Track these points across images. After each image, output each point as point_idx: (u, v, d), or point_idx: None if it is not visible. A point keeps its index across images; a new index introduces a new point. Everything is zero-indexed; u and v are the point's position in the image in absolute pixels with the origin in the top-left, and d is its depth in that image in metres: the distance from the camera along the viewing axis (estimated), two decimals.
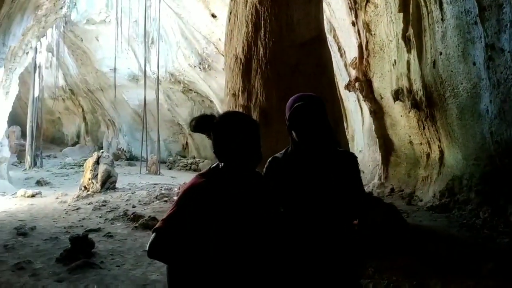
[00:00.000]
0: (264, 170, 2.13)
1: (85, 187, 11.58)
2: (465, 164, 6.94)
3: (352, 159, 2.14)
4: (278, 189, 2.02)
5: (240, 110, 5.83)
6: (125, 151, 25.88)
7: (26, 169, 19.30)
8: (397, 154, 9.32)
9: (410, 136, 8.56)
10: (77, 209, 9.38)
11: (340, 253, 1.97)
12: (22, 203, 10.39)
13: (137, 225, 7.41)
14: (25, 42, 12.08)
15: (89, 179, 11.65)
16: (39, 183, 14.75)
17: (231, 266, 1.73)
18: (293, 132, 2.04)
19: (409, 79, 7.75)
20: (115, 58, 19.89)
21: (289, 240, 1.93)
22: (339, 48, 10.91)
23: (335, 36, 10.93)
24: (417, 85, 7.54)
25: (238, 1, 6.35)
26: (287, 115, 2.02)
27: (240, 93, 6.01)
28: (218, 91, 18.27)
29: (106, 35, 21.55)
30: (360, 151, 10.79)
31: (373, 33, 8.73)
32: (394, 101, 8.29)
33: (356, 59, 9.49)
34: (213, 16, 15.76)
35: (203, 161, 21.18)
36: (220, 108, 18.81)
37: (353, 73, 9.89)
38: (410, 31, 7.38)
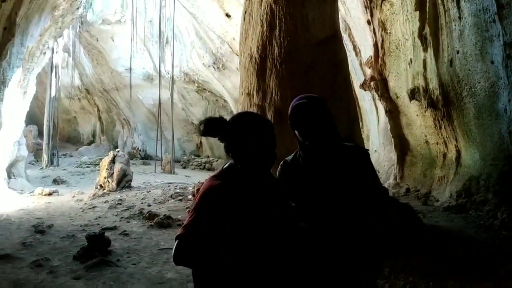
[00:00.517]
0: (277, 173, 2.16)
1: (101, 186, 11.71)
2: (482, 164, 6.85)
3: (362, 153, 2.13)
4: (290, 191, 2.03)
5: (255, 109, 5.83)
6: (140, 150, 26.08)
7: (43, 167, 19.56)
8: (412, 154, 9.23)
9: (426, 136, 8.47)
10: (93, 207, 9.49)
11: (355, 252, 1.95)
12: (39, 201, 10.54)
13: (152, 223, 7.46)
14: (43, 42, 12.24)
15: (105, 178, 11.77)
16: (55, 181, 14.94)
17: (251, 267, 1.73)
18: (296, 132, 2.07)
19: (425, 78, 7.67)
20: (130, 58, 20.04)
21: (304, 239, 1.93)
22: (354, 47, 10.85)
23: (350, 35, 10.86)
24: (433, 84, 7.46)
25: (253, 0, 6.35)
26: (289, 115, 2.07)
27: (254, 92, 6.01)
28: (232, 90, 18.31)
29: (121, 35, 21.74)
30: (375, 150, 10.71)
31: (388, 31, 8.66)
32: (410, 100, 8.21)
33: (371, 58, 9.42)
34: (227, 15, 15.78)
35: (216, 160, 21.24)
36: (234, 107, 18.87)
37: (369, 72, 9.82)
38: (427, 30, 7.30)
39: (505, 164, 6.35)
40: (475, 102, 6.52)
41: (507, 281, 4.00)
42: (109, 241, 5.91)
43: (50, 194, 11.56)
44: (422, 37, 7.45)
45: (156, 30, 19.61)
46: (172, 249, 1.76)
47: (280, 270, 1.78)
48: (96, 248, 5.54)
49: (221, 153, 21.66)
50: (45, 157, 20.15)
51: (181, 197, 10.01)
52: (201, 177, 13.95)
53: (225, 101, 20.96)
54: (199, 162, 22.08)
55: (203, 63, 19.28)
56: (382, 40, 8.91)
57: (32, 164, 20.46)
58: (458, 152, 7.51)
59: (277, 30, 5.86)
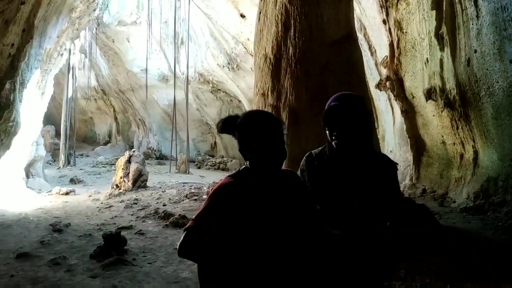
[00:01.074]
0: (300, 166, 2.14)
1: (117, 186, 11.83)
2: (500, 165, 6.74)
3: (390, 166, 2.09)
4: (312, 186, 2.02)
5: (269, 109, 5.83)
6: (155, 150, 26.27)
7: (60, 167, 19.84)
8: (429, 155, 9.13)
9: (442, 136, 8.37)
10: (110, 207, 9.59)
11: (370, 253, 1.94)
12: (57, 201, 10.70)
13: (167, 223, 7.52)
14: (60, 44, 12.41)
15: (121, 178, 11.89)
16: (72, 181, 15.15)
17: (260, 263, 1.73)
18: (326, 130, 2.05)
19: (442, 77, 7.57)
20: (146, 59, 20.21)
21: (336, 246, 1.92)
22: (370, 47, 10.77)
23: (365, 35, 10.79)
24: (450, 84, 7.37)
25: (267, 0, 6.35)
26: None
27: (269, 92, 6.01)
28: (247, 90, 18.34)
29: (137, 36, 21.94)
30: (391, 151, 10.62)
31: (404, 31, 8.58)
32: (426, 100, 8.12)
33: (387, 57, 9.34)
34: (242, 16, 15.81)
35: (231, 161, 21.30)
36: (248, 108, 18.86)
37: (384, 72, 9.74)
38: (443, 29, 7.22)
39: None
40: (493, 102, 6.42)
41: None
42: (125, 240, 5.97)
43: (67, 194, 11.73)
44: (438, 36, 7.36)
45: (171, 31, 19.74)
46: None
47: (288, 271, 1.78)
48: (112, 247, 5.60)
49: (235, 153, 21.70)
50: (62, 157, 20.44)
51: (196, 197, 10.06)
52: (216, 177, 14.01)
53: (239, 101, 21.00)
54: (214, 162, 22.17)
55: (218, 64, 19.34)
56: (398, 40, 8.83)
57: (50, 164, 20.77)
58: (476, 152, 7.40)
59: (292, 30, 5.85)
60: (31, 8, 7.26)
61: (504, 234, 5.78)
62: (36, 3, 7.39)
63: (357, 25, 8.56)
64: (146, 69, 20.75)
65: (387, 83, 9.45)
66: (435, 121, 8.37)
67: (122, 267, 5.16)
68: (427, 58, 7.93)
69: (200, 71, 20.82)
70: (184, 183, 13.91)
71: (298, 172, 2.17)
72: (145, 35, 20.56)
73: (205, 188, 11.41)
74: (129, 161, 12.14)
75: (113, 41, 23.37)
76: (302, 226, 1.85)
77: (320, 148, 2.18)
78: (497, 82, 6.21)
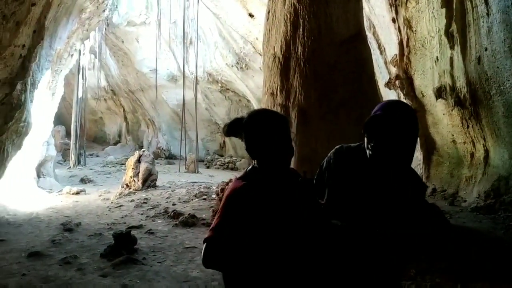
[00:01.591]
0: (327, 157, 2.09)
1: (127, 185, 11.90)
2: None
3: (421, 186, 2.03)
4: (336, 179, 1.98)
5: (278, 109, 5.83)
6: (165, 150, 26.37)
7: (70, 167, 19.98)
8: (439, 154, 9.07)
9: (453, 135, 8.31)
10: (120, 206, 9.66)
11: (376, 247, 1.91)
12: (67, 200, 10.79)
13: (177, 222, 7.55)
14: (70, 44, 12.49)
15: (130, 177, 11.96)
16: (83, 181, 15.25)
17: (281, 264, 1.73)
18: (365, 137, 1.96)
19: (452, 76, 7.51)
20: (156, 59, 20.30)
21: (339, 237, 1.91)
22: (379, 46, 10.72)
23: (374, 33, 10.74)
24: (460, 82, 7.31)
25: (276, 0, 6.35)
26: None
27: (278, 92, 6.01)
28: (255, 90, 18.33)
29: (146, 37, 22.03)
30: None
31: (414, 29, 8.52)
32: (436, 99, 8.06)
33: (396, 56, 9.29)
34: (251, 15, 15.81)
35: (240, 160, 21.30)
36: (257, 107, 18.85)
37: (394, 70, 9.69)
38: (453, 27, 7.16)
39: None
40: (504, 100, 6.36)
41: None
42: (135, 239, 6.00)
43: (77, 193, 11.82)
44: (448, 34, 7.30)
45: (180, 31, 19.79)
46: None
47: (308, 270, 1.78)
48: (122, 246, 5.64)
49: (244, 153, 21.59)
50: (72, 157, 20.58)
51: (205, 196, 10.08)
52: (225, 177, 14.02)
53: (248, 101, 21.00)
54: (223, 162, 22.19)
55: (227, 63, 19.37)
56: (408, 38, 8.78)
57: (60, 163, 20.94)
58: (487, 151, 7.34)
59: (301, 30, 5.84)
60: (42, 10, 7.32)
61: None
62: (46, 4, 7.45)
63: (366, 24, 8.51)
64: (156, 69, 20.82)
65: (397, 82, 9.40)
66: (445, 119, 8.31)
67: (132, 266, 5.19)
68: (437, 57, 7.87)
69: (209, 71, 20.86)
70: (193, 182, 13.96)
71: (323, 162, 2.12)
72: (154, 35, 20.64)
73: (214, 187, 11.43)
74: (139, 160, 12.21)
75: (123, 42, 23.49)
76: (314, 224, 1.85)
77: (355, 144, 2.07)
78: (508, 80, 6.15)
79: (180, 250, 5.90)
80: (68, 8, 9.71)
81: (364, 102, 5.41)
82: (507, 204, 6.63)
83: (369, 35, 9.73)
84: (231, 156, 23.19)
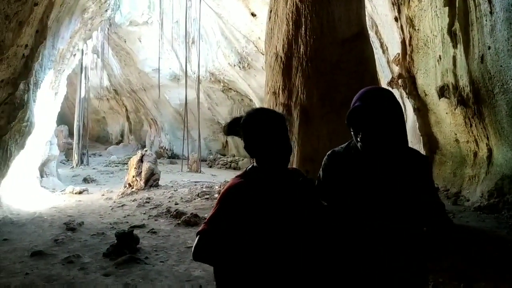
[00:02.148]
0: (322, 164, 2.05)
1: (129, 185, 11.91)
2: None
3: (423, 162, 1.94)
4: (335, 185, 1.94)
5: (281, 108, 5.82)
6: (167, 150, 26.40)
7: (73, 166, 20.03)
8: (442, 153, 9.05)
9: (456, 134, 8.28)
10: (122, 205, 9.67)
11: (393, 254, 1.83)
12: (70, 200, 10.81)
13: (179, 222, 7.55)
14: (73, 44, 12.52)
15: (133, 177, 11.97)
16: (85, 180, 15.28)
17: (274, 262, 1.73)
18: (351, 130, 1.92)
19: (455, 75, 7.49)
20: (158, 58, 20.31)
21: (336, 238, 1.89)
22: (382, 44, 10.70)
23: (377, 32, 10.72)
24: (463, 81, 7.29)
25: None
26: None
27: (280, 91, 6.00)
28: (258, 89, 18.33)
29: (148, 36, 22.06)
30: None
31: (416, 28, 8.50)
32: (439, 98, 8.04)
33: (399, 55, 9.27)
34: (253, 15, 15.80)
35: (242, 159, 21.31)
36: (259, 106, 18.81)
37: (396, 69, 9.67)
38: (456, 26, 7.13)
39: None
40: (508, 99, 6.33)
41: None
42: (138, 239, 6.01)
43: (80, 193, 11.84)
44: (451, 33, 7.28)
45: (182, 30, 19.80)
46: None
47: (302, 269, 1.77)
48: (125, 246, 5.64)
49: (246, 152, 21.66)
50: (75, 157, 20.64)
51: (207, 196, 10.09)
52: (227, 176, 14.04)
53: (250, 100, 21.00)
54: (225, 161, 22.21)
55: (229, 63, 19.37)
56: (410, 37, 8.76)
57: (63, 163, 20.99)
58: (490, 150, 7.31)
59: (303, 29, 5.83)
60: (44, 9, 7.33)
61: None
62: (49, 4, 7.46)
63: (368, 23, 8.50)
64: (159, 69, 20.84)
65: (399, 81, 9.38)
66: (448, 118, 8.29)
67: (134, 265, 5.20)
68: (439, 55, 7.85)
69: (211, 70, 20.87)
70: (195, 182, 13.98)
71: (320, 172, 2.07)
72: (156, 35, 20.67)
73: (216, 187, 11.44)
74: (141, 160, 12.22)
75: (125, 41, 23.52)
76: (312, 223, 1.84)
77: (344, 145, 2.04)
78: (511, 79, 6.13)
79: (183, 250, 5.91)
80: (71, 8, 9.73)
81: None
82: (510, 203, 6.60)
83: (371, 34, 9.72)
84: (234, 156, 23.20)
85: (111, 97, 29.83)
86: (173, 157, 25.10)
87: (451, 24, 7.24)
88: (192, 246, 1.77)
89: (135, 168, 12.08)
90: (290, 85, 5.89)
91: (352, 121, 1.88)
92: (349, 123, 1.89)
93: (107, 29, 22.00)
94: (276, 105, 5.98)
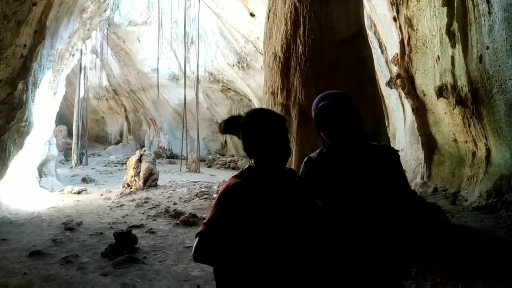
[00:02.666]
0: (300, 170, 2.12)
1: (128, 185, 11.91)
2: None
3: (391, 154, 2.04)
4: (315, 189, 1.99)
5: (279, 108, 5.82)
6: (166, 150, 26.40)
7: (72, 166, 20.02)
8: (440, 153, 9.05)
9: (454, 134, 8.29)
10: (121, 205, 9.66)
11: (381, 253, 1.90)
12: (69, 199, 10.81)
13: (178, 222, 7.55)
14: (71, 44, 12.51)
15: (132, 177, 11.97)
16: (84, 180, 15.28)
17: (273, 262, 1.73)
18: (321, 133, 2.01)
19: (453, 75, 7.50)
20: (157, 58, 20.30)
21: (331, 238, 1.90)
22: (380, 44, 10.71)
23: (375, 32, 10.73)
24: (462, 81, 7.30)
25: None
26: (313, 115, 2.00)
27: (279, 91, 6.00)
28: (257, 89, 18.33)
29: (147, 36, 22.05)
30: (402, 149, 10.54)
31: (415, 28, 8.51)
32: (438, 97, 8.05)
33: (397, 55, 9.28)
34: (252, 15, 15.81)
35: (241, 159, 21.31)
36: (258, 106, 18.83)
37: (395, 69, 9.68)
38: (455, 26, 7.14)
39: None
40: (506, 99, 6.34)
41: None
42: (136, 238, 6.00)
43: (79, 193, 11.84)
44: (450, 33, 7.29)
45: (181, 30, 19.80)
46: None
47: (299, 269, 1.77)
48: (123, 246, 5.64)
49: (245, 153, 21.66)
50: (74, 156, 20.63)
51: (206, 196, 10.09)
52: (226, 176, 14.02)
53: (249, 100, 21.01)
54: (224, 161, 22.21)
55: (228, 63, 19.37)
56: (409, 37, 8.77)
57: (62, 163, 20.98)
58: (488, 150, 7.32)
59: (301, 29, 5.83)
60: (43, 9, 7.33)
61: None
62: (47, 4, 7.45)
63: (367, 23, 8.51)
64: (158, 69, 20.83)
65: (398, 81, 9.39)
66: (446, 118, 8.30)
67: (133, 265, 5.19)
68: (438, 55, 7.86)
69: (210, 70, 20.87)
70: (194, 182, 13.97)
71: None
72: (155, 35, 20.66)
73: (215, 187, 11.44)
74: (140, 160, 12.22)
75: (124, 41, 23.51)
76: (309, 223, 1.84)
77: (317, 151, 2.14)
78: (510, 79, 6.14)
79: (181, 250, 5.90)
80: (69, 8, 9.72)
81: (365, 101, 5.40)
82: (509, 203, 6.61)
83: (370, 34, 9.73)
84: (233, 156, 23.21)
85: (110, 97, 29.81)
86: (172, 157, 25.10)
87: (449, 24, 7.26)
88: (190, 246, 1.77)
89: (133, 168, 12.07)
90: (289, 85, 5.89)
91: (321, 120, 1.97)
92: (318, 122, 1.99)
93: (106, 29, 22.00)
94: (275, 105, 5.98)
